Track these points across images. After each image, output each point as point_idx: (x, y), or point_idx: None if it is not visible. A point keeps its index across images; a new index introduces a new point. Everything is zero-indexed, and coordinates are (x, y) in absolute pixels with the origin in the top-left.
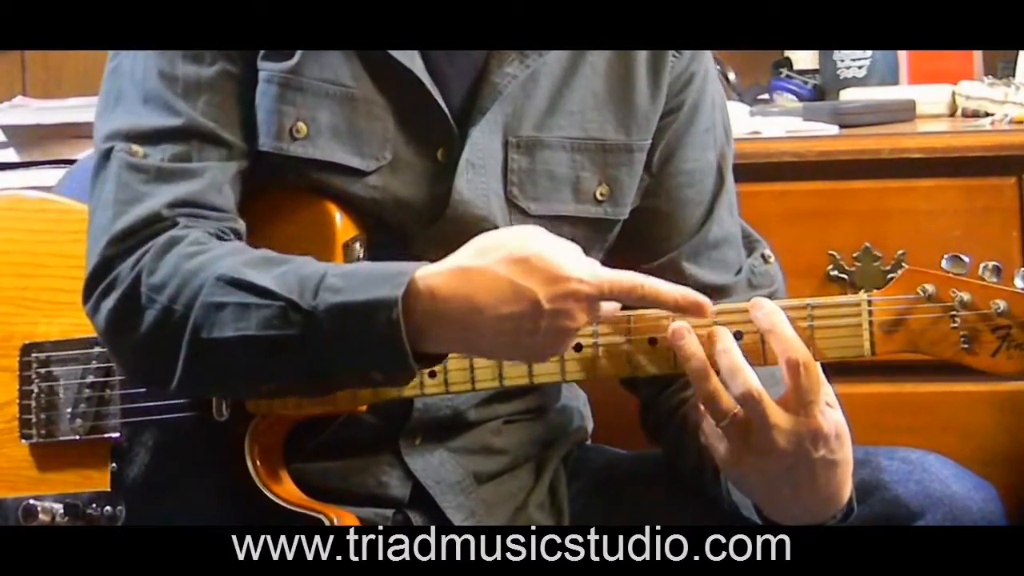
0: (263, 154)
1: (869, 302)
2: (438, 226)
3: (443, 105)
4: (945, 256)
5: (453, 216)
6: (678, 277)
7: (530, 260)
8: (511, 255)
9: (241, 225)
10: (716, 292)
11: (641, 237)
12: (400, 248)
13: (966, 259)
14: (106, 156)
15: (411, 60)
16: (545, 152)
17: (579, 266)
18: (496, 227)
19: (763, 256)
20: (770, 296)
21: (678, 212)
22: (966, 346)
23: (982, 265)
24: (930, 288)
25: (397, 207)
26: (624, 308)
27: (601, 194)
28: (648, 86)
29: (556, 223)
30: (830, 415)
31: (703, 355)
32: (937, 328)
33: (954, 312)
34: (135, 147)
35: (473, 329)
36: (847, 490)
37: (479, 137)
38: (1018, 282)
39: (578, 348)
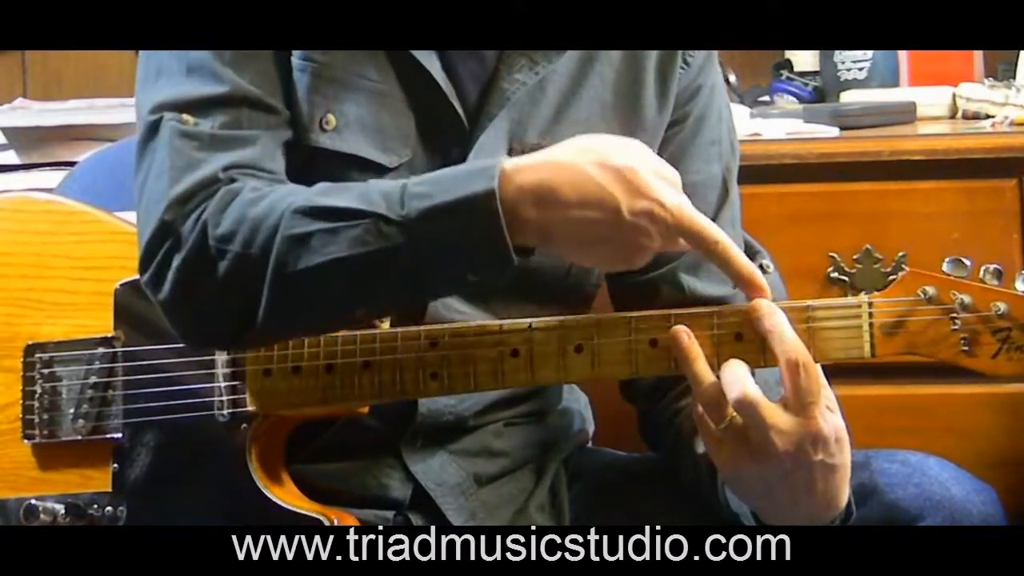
0: (292, 143)
1: (869, 304)
2: None
3: (457, 106)
4: (946, 259)
5: None
6: (676, 289)
7: (622, 171)
8: (606, 161)
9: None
10: (715, 304)
11: None
12: None
13: (967, 262)
14: (154, 127)
15: (429, 60)
16: None
17: (667, 191)
18: None
19: (762, 267)
20: None
21: None
22: (966, 348)
23: (983, 268)
24: (931, 290)
25: None
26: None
27: None
28: (656, 96)
29: None
30: (830, 419)
31: (703, 358)
32: (937, 330)
33: (954, 314)
34: (185, 116)
35: (552, 222)
36: (845, 495)
37: (485, 142)
38: (1019, 284)
39: (579, 349)
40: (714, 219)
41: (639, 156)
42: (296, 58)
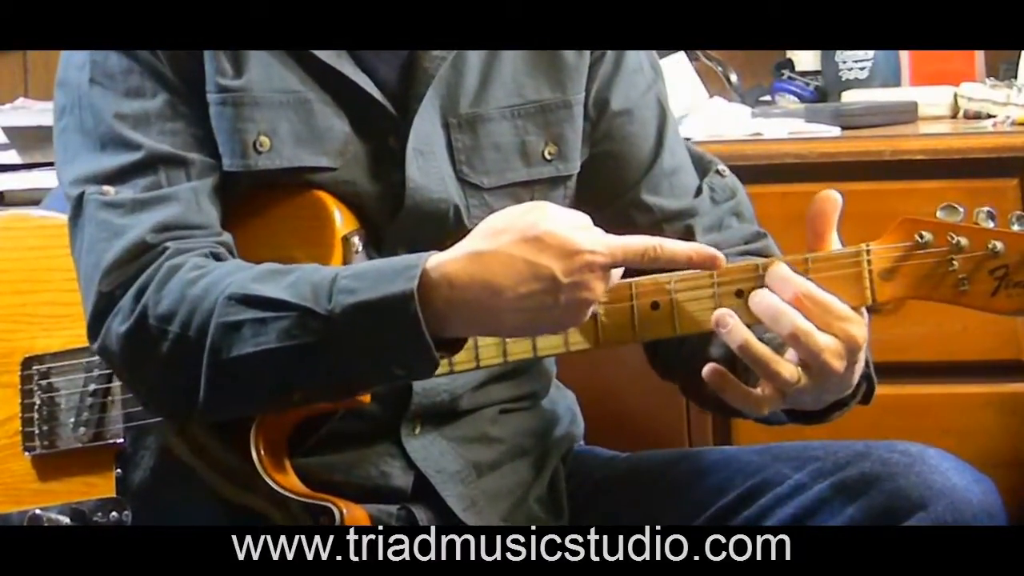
0: (232, 174)
1: (867, 251)
2: (401, 218)
3: (377, 95)
4: (940, 206)
5: (412, 204)
6: (643, 210)
7: (542, 238)
8: (523, 235)
9: (227, 237)
10: (683, 215)
11: (601, 181)
12: (373, 245)
13: (960, 208)
14: (79, 202)
15: (339, 61)
16: (488, 125)
17: (590, 238)
18: (455, 206)
19: (718, 171)
20: (735, 206)
21: (628, 150)
22: (964, 288)
23: (976, 211)
24: (927, 235)
25: (367, 199)
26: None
27: (549, 153)
28: None
29: (512, 191)
30: (857, 322)
31: (751, 336)
32: (935, 272)
33: (952, 256)
34: (106, 187)
35: (495, 311)
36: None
37: (420, 124)
38: (1014, 226)
39: None
40: (659, 139)
41: (548, 216)
42: (212, 92)
